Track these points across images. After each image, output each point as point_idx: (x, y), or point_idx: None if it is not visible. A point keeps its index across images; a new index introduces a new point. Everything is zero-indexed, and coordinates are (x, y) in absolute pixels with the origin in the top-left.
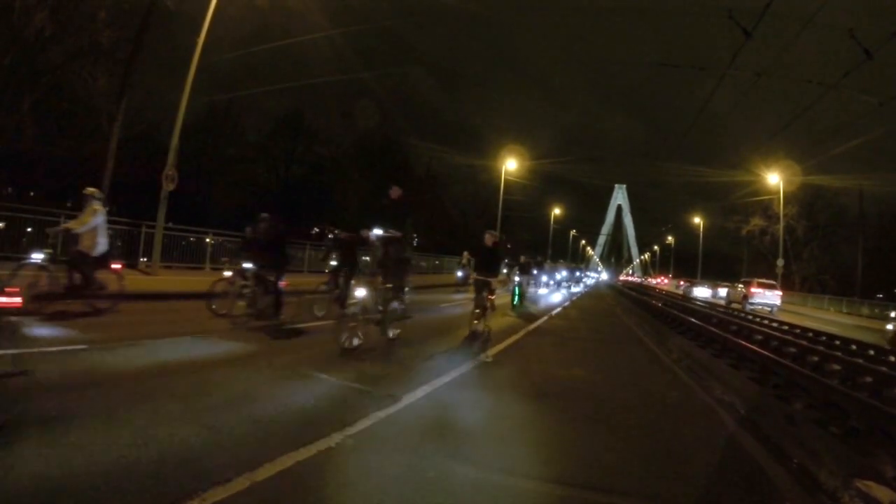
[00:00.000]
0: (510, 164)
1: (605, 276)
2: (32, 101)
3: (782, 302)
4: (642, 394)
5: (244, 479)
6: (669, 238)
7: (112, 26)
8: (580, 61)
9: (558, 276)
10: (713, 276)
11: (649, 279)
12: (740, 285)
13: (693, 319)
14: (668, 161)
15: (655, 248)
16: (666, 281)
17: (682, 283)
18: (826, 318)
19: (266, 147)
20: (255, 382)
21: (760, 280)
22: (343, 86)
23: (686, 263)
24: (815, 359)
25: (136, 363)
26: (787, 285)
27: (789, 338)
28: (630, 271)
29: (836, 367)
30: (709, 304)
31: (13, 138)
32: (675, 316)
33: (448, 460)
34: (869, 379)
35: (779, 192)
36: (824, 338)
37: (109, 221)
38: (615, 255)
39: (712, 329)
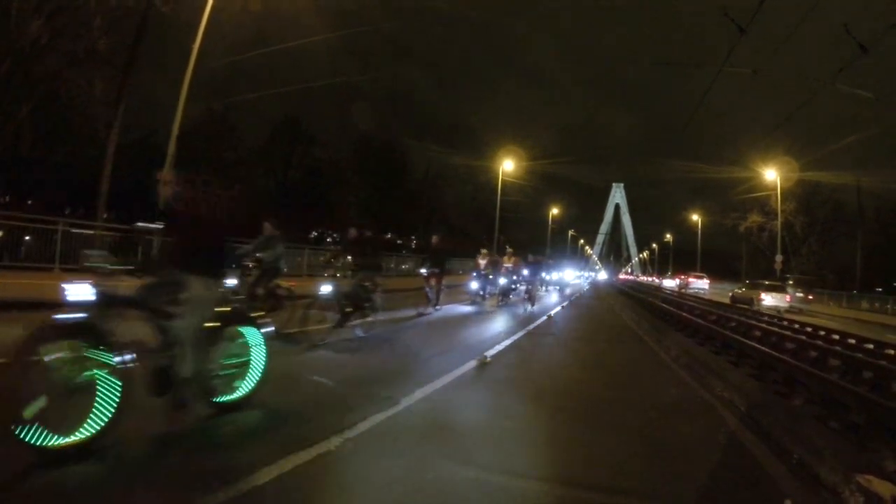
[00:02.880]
0: (507, 165)
1: (604, 274)
2: (30, 108)
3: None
4: (641, 390)
5: (244, 482)
6: (668, 236)
7: (108, 33)
8: (577, 59)
9: (507, 280)
10: (710, 273)
11: (640, 277)
12: (690, 277)
13: (663, 305)
14: (667, 158)
15: (654, 245)
16: (658, 279)
17: (659, 278)
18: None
19: (264, 151)
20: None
21: (695, 273)
22: (340, 89)
23: (685, 261)
24: (814, 354)
25: None
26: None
27: (788, 333)
28: (629, 269)
29: (836, 362)
30: (671, 291)
31: (11, 146)
32: (651, 302)
33: (447, 462)
34: (869, 374)
35: (776, 189)
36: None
37: (107, 229)
38: (614, 254)
39: (667, 307)
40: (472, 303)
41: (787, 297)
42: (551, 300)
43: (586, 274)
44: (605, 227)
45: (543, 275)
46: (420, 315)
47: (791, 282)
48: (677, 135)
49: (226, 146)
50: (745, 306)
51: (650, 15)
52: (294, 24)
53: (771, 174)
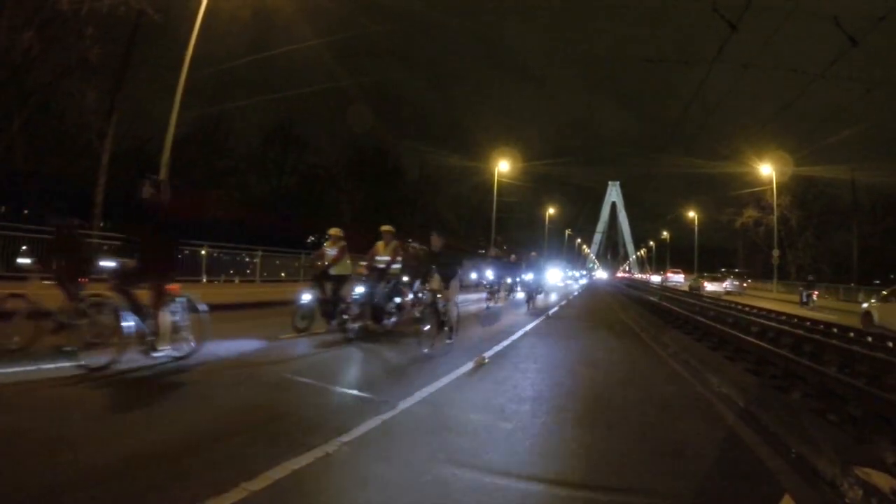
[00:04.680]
0: (503, 166)
1: (602, 273)
2: (23, 120)
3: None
4: (639, 387)
5: (241, 488)
6: (665, 233)
7: (100, 42)
8: (571, 58)
9: (369, 289)
10: (710, 269)
11: (636, 275)
12: (669, 273)
13: (651, 298)
14: (662, 153)
15: (651, 243)
16: (648, 276)
17: (649, 275)
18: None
19: (257, 158)
20: (250, 391)
21: (673, 269)
22: (333, 93)
23: (683, 257)
24: (811, 348)
25: (139, 378)
26: (782, 275)
27: (786, 328)
28: (626, 268)
29: (833, 355)
30: (656, 284)
31: (4, 157)
32: (639, 296)
33: (445, 464)
34: (866, 366)
35: (771, 183)
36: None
37: (104, 238)
38: (611, 253)
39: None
40: (302, 331)
41: (724, 285)
42: (511, 319)
43: (578, 274)
44: (601, 226)
45: (494, 277)
46: (92, 370)
47: (731, 275)
48: (672, 132)
49: (219, 153)
50: (696, 291)
51: (642, 13)
52: (285, 30)
53: (766, 169)
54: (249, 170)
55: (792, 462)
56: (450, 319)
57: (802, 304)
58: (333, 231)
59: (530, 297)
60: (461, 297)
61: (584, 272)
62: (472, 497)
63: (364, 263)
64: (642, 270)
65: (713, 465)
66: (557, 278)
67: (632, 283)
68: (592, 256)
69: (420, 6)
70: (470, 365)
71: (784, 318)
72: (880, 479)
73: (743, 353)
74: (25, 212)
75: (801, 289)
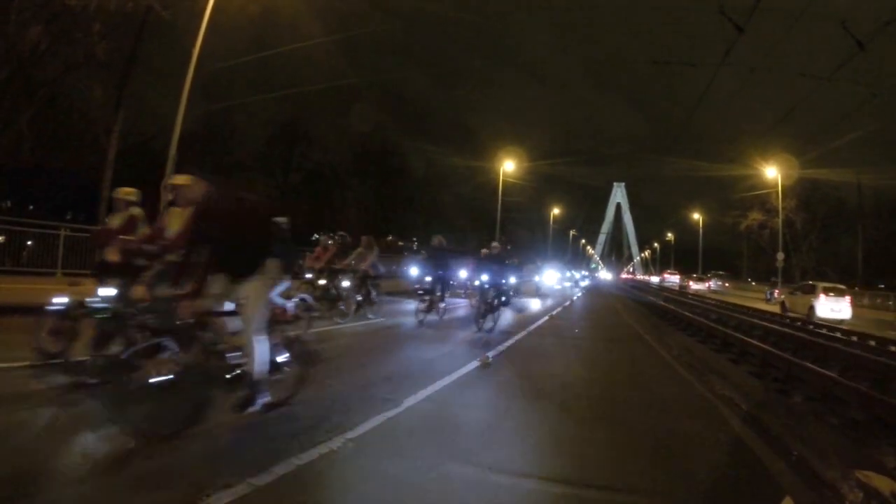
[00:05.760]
0: (508, 165)
1: (607, 274)
2: (30, 115)
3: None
4: (641, 389)
5: (246, 484)
6: (669, 235)
7: (107, 38)
8: (577, 58)
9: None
10: (714, 271)
11: (638, 276)
12: (665, 274)
13: (650, 297)
14: (668, 156)
15: (656, 245)
16: (650, 277)
17: (650, 276)
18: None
19: (264, 155)
20: None
21: (669, 270)
22: (339, 91)
23: (687, 259)
24: (814, 352)
25: None
26: (787, 279)
27: (788, 331)
28: (631, 269)
29: (836, 359)
30: (655, 284)
31: (12, 151)
32: (639, 295)
33: (449, 462)
34: (869, 371)
35: (776, 186)
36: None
37: None
38: (615, 254)
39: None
40: (53, 355)
41: (706, 284)
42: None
43: (579, 275)
44: (606, 227)
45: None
46: None
47: (714, 276)
48: (678, 134)
49: (226, 149)
50: (684, 289)
51: (648, 14)
52: (292, 27)
53: (772, 171)
54: (255, 166)
55: (793, 464)
56: (250, 363)
57: (767, 300)
58: (122, 191)
59: (489, 309)
60: (410, 305)
61: (587, 273)
62: (477, 495)
63: (124, 239)
64: (646, 272)
65: (715, 466)
66: (554, 280)
67: (635, 285)
68: (596, 257)
69: (425, 4)
70: None
71: (740, 307)
72: (881, 483)
73: (747, 356)
74: (31, 207)
75: (767, 289)
